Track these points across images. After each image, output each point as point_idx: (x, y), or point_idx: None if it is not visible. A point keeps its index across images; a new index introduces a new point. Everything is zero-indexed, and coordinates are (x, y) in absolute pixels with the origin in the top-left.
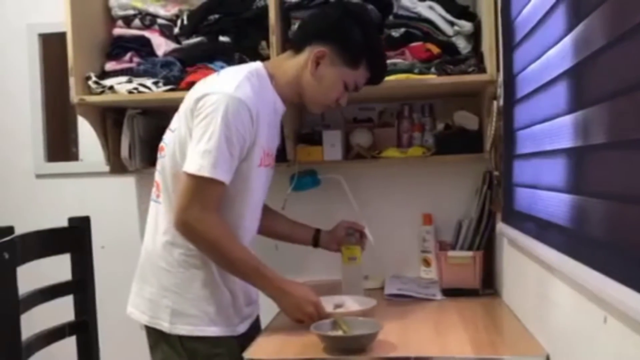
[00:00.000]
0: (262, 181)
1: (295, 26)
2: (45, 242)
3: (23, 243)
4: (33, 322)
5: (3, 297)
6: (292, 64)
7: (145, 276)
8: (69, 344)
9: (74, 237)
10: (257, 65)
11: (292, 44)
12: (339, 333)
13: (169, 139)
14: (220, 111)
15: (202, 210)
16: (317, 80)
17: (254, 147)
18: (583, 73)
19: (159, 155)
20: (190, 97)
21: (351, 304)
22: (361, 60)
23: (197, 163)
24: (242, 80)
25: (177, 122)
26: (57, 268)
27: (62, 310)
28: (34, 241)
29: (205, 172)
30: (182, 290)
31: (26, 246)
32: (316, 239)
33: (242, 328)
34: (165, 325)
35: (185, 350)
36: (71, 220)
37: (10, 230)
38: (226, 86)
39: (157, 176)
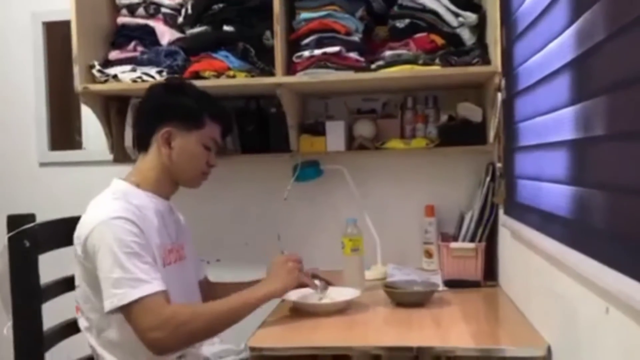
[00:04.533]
0: (173, 278)
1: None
2: (72, 231)
3: (45, 231)
4: (59, 311)
5: (24, 286)
6: (148, 161)
7: None
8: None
9: None
10: (117, 185)
11: (139, 149)
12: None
13: (79, 296)
14: (109, 238)
15: (162, 327)
16: (178, 158)
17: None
18: (585, 65)
19: (78, 316)
20: (75, 245)
21: (335, 294)
22: (203, 117)
23: (115, 295)
24: (108, 203)
25: (78, 277)
26: None
27: None
28: (58, 229)
29: (129, 298)
30: None
31: (48, 234)
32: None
33: None
34: None
35: None
36: None
37: (31, 217)
38: (98, 215)
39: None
